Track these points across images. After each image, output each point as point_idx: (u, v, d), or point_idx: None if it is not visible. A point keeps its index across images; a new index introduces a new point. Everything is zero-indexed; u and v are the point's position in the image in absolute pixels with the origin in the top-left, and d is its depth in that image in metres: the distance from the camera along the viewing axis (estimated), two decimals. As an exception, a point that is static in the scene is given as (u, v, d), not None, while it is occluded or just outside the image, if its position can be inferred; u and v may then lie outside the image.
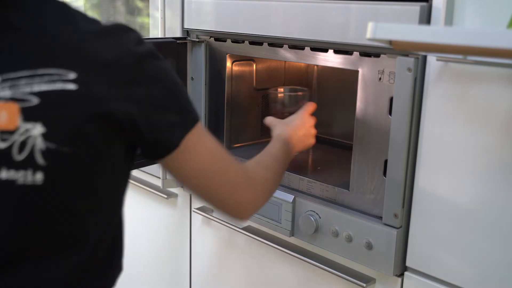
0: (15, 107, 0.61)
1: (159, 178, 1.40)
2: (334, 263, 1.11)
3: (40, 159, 0.62)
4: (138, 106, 0.67)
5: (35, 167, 0.62)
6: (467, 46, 0.66)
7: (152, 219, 1.56)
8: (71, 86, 0.62)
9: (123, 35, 0.68)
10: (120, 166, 0.72)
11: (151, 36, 1.44)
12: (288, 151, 0.99)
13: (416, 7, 0.90)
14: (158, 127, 0.70)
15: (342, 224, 1.05)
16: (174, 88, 0.73)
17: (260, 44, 1.19)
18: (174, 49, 1.27)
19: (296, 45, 1.12)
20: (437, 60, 0.89)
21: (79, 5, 1.88)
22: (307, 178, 1.15)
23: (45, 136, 0.61)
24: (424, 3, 0.90)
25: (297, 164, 1.36)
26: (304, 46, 1.10)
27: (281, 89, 1.09)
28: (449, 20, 0.87)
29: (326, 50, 1.07)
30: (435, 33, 0.69)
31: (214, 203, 0.81)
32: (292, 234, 1.14)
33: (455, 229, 0.92)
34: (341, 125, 1.47)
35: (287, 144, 1.00)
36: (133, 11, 1.61)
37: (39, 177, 0.62)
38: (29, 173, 0.62)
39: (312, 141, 1.10)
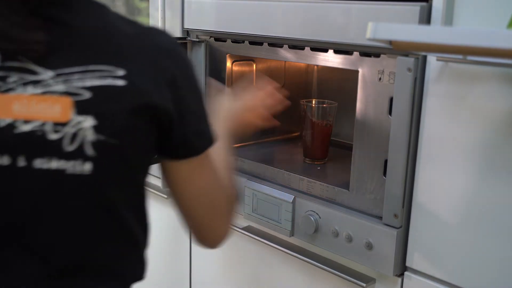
0: (68, 101, 0.64)
1: (159, 178, 1.40)
2: (334, 263, 1.11)
3: (89, 150, 0.65)
4: (176, 105, 0.70)
5: (84, 158, 0.65)
6: (467, 46, 0.66)
7: (152, 219, 1.55)
8: (120, 82, 0.66)
9: (160, 38, 0.72)
10: (151, 161, 0.75)
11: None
12: (231, 147, 0.95)
13: (416, 7, 0.90)
14: (189, 131, 0.73)
15: (342, 224, 1.05)
16: (204, 102, 0.77)
17: (260, 44, 1.19)
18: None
19: (296, 45, 1.12)
20: (437, 60, 0.89)
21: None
22: (307, 178, 1.15)
23: (95, 128, 0.65)
24: (424, 3, 0.90)
25: (297, 163, 1.36)
26: (304, 46, 1.10)
27: (310, 100, 1.31)
28: (449, 20, 0.87)
29: (326, 50, 1.07)
30: (435, 33, 0.69)
31: (193, 222, 0.83)
32: (292, 234, 1.14)
33: (455, 229, 0.92)
34: (340, 125, 1.47)
35: (229, 137, 0.95)
36: (133, 11, 1.61)
37: (87, 167, 0.65)
38: (78, 163, 0.65)
39: (256, 122, 1.05)
